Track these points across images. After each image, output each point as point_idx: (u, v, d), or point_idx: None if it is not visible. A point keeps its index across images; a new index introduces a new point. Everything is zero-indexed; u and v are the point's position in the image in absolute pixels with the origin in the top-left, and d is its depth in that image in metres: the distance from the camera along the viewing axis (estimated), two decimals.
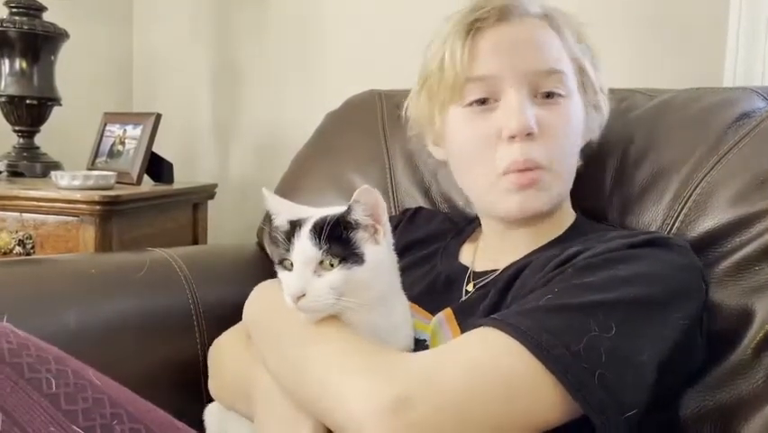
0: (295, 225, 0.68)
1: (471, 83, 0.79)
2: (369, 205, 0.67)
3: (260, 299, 0.82)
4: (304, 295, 0.65)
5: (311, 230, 0.66)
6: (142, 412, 0.58)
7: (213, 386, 0.89)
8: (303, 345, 0.68)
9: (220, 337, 0.92)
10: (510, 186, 0.77)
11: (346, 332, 0.67)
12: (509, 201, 0.78)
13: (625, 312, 0.62)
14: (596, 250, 0.69)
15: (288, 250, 0.67)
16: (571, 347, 0.58)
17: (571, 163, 0.82)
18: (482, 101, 0.79)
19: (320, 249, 0.65)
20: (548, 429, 0.61)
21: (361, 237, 0.68)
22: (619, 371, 0.60)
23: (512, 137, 0.75)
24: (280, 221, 0.71)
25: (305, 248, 0.65)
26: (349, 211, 0.67)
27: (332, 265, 0.65)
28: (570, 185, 0.84)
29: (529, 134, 0.75)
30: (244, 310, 0.83)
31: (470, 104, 0.80)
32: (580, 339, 0.59)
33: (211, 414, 0.87)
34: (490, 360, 0.60)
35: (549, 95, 0.78)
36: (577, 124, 0.81)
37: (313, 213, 0.70)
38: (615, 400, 0.58)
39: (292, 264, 0.67)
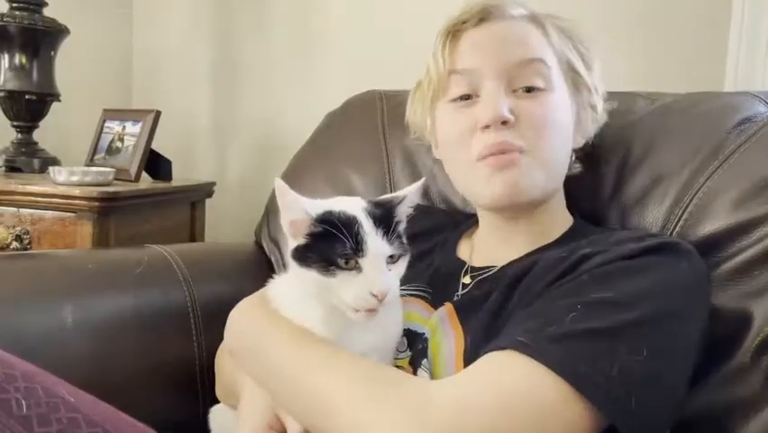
0: (338, 222, 0.64)
1: (453, 77, 0.81)
2: (418, 196, 0.71)
3: (245, 325, 0.77)
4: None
5: (374, 226, 0.65)
6: (121, 429, 0.55)
7: (217, 387, 0.91)
8: (313, 371, 0.64)
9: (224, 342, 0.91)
10: (489, 169, 0.77)
11: (355, 355, 0.66)
12: (492, 184, 0.77)
13: (652, 330, 0.61)
14: (608, 255, 0.68)
15: (356, 250, 0.64)
16: (607, 373, 0.57)
17: (558, 154, 0.81)
18: (466, 97, 0.81)
19: (391, 245, 0.66)
20: None
21: (402, 228, 0.70)
22: (655, 392, 0.59)
23: (486, 126, 0.77)
24: (297, 216, 0.67)
25: (380, 246, 0.65)
26: (402, 202, 0.69)
27: (391, 258, 0.66)
28: (559, 179, 0.83)
29: (505, 123, 0.76)
30: (227, 333, 0.80)
31: (455, 99, 0.82)
32: (613, 364, 0.57)
33: (215, 416, 0.87)
34: (523, 391, 0.57)
35: (530, 89, 0.78)
36: (562, 117, 0.80)
37: (339, 205, 0.67)
38: (653, 422, 0.58)
39: (347, 262, 0.64)
